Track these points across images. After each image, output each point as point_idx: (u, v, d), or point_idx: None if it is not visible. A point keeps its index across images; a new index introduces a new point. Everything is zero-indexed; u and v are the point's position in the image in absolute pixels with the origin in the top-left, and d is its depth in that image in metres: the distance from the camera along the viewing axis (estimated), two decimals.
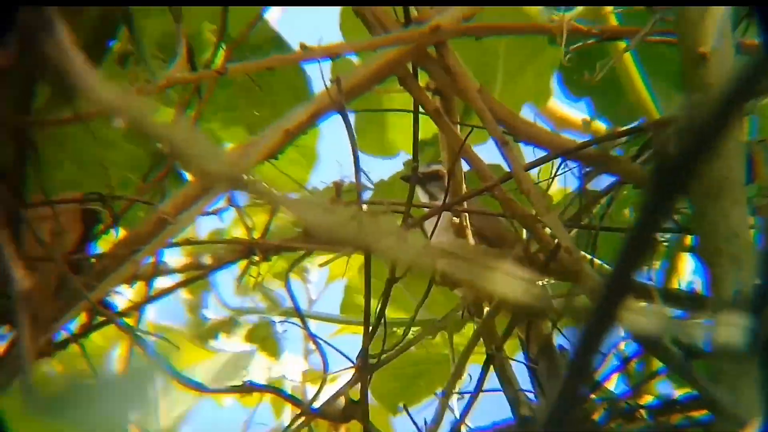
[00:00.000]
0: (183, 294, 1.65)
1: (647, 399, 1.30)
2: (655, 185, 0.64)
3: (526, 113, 1.36)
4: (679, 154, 0.64)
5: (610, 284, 0.68)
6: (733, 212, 0.85)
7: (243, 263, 1.17)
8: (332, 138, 1.53)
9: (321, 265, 1.48)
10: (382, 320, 1.15)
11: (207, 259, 1.16)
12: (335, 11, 1.56)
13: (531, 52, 1.51)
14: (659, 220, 0.65)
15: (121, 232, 1.05)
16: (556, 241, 1.08)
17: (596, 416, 1.18)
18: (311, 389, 1.67)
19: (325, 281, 1.79)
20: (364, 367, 1.13)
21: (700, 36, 0.85)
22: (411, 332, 1.24)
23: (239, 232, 1.57)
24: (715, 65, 0.85)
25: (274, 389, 1.29)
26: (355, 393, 1.17)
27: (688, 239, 1.35)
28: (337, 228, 0.71)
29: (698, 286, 1.51)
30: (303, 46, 1.01)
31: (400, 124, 1.61)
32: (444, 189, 1.19)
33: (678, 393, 1.42)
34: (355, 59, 1.49)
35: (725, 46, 0.85)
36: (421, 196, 1.29)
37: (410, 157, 1.61)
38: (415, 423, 1.20)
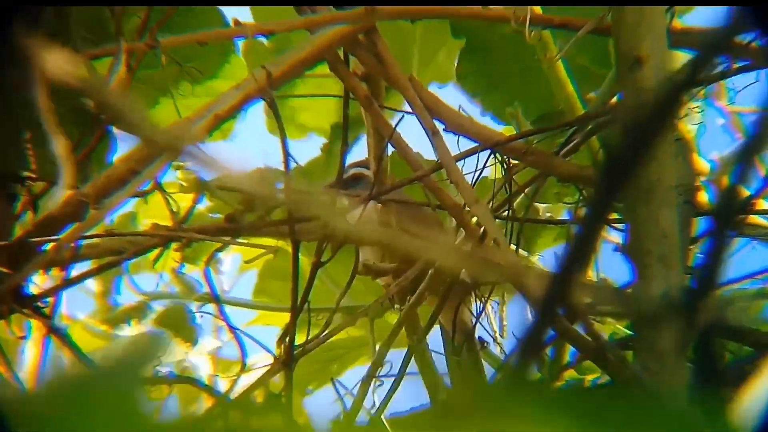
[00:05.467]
0: (90, 281, 1.58)
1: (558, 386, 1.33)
2: (604, 180, 0.65)
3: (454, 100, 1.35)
4: (623, 149, 0.65)
5: (557, 278, 0.68)
6: (662, 214, 0.87)
7: (158, 250, 1.14)
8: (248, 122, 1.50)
9: (247, 262, 1.45)
10: (306, 306, 1.14)
11: (124, 244, 1.12)
12: None
13: (444, 37, 1.51)
14: (605, 215, 0.66)
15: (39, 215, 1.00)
16: (482, 230, 1.09)
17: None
18: (222, 381, 1.64)
19: (237, 270, 1.76)
20: (289, 357, 1.11)
21: (637, 39, 0.86)
22: (333, 320, 1.23)
23: (147, 215, 1.52)
24: (650, 69, 0.86)
25: (190, 379, 1.25)
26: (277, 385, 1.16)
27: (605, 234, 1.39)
28: (279, 199, 0.69)
29: (608, 280, 1.56)
30: (236, 22, 0.98)
31: (310, 107, 1.59)
32: (367, 190, 1.18)
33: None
34: (264, 41, 1.47)
35: (661, 49, 0.87)
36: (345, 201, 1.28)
37: (324, 140, 1.60)
38: (341, 400, 1.19)
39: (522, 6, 1.08)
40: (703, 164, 1.45)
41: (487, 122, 1.43)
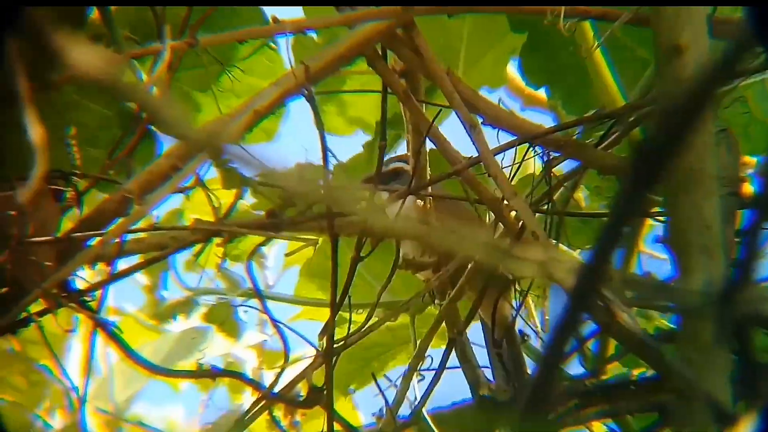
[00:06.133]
0: (140, 274, 1.61)
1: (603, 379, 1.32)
2: (634, 170, 0.64)
3: (493, 95, 1.36)
4: (657, 139, 0.64)
5: (587, 269, 0.68)
6: (705, 205, 0.86)
7: (201, 245, 1.15)
8: (293, 119, 1.51)
9: (287, 255, 1.47)
10: (346, 301, 1.14)
11: (168, 240, 1.14)
12: None
13: (493, 37, 1.51)
14: (637, 206, 0.66)
15: (85, 210, 1.03)
16: (520, 224, 1.09)
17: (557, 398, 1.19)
18: (267, 374, 1.65)
19: (282, 267, 1.77)
20: (329, 350, 1.12)
21: (676, 28, 0.85)
22: (374, 315, 1.24)
23: (194, 212, 1.55)
24: (690, 58, 0.85)
25: (235, 373, 1.27)
26: (317, 378, 1.17)
27: (648, 225, 1.37)
28: (319, 195, 0.70)
29: (653, 274, 1.54)
30: (275, 19, 0.99)
31: (357, 104, 1.60)
32: (405, 185, 1.19)
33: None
34: (315, 36, 1.48)
35: (700, 39, 0.86)
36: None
37: (368, 137, 1.61)
38: (386, 399, 1.20)
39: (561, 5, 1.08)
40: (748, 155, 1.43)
41: (529, 116, 1.43)
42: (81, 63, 0.60)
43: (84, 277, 1.04)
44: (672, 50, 0.87)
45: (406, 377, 1.26)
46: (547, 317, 1.28)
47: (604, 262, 0.65)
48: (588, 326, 1.18)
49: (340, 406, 1.53)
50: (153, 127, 1.05)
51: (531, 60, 1.40)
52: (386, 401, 1.25)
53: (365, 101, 1.57)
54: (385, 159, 1.26)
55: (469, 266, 1.18)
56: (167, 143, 1.12)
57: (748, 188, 1.29)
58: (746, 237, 0.72)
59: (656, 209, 1.14)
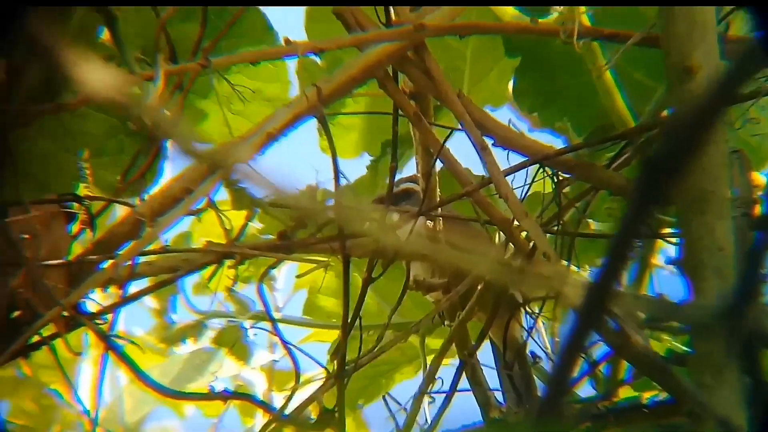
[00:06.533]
0: (149, 298, 1.61)
1: (614, 402, 1.31)
2: (639, 186, 0.64)
3: (497, 113, 1.36)
4: (663, 156, 0.64)
5: (594, 287, 0.68)
6: (717, 226, 0.86)
7: (212, 267, 1.16)
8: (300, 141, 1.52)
9: (298, 276, 1.47)
10: (357, 322, 1.14)
11: (179, 262, 1.14)
12: (299, 11, 1.54)
13: (495, 56, 1.51)
14: (644, 223, 0.66)
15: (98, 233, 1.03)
16: (531, 244, 1.08)
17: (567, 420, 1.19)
18: (277, 396, 1.65)
19: (291, 289, 1.77)
20: (341, 372, 1.12)
21: (688, 49, 0.86)
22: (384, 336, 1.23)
23: (202, 234, 1.55)
24: (702, 79, 0.85)
25: (246, 396, 1.26)
26: (327, 399, 1.16)
27: (659, 245, 1.37)
28: (330, 216, 0.70)
29: (665, 295, 1.53)
30: (287, 41, 1.00)
31: (362, 126, 1.61)
32: (416, 205, 1.19)
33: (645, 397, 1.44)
34: (318, 60, 1.49)
35: (712, 59, 0.86)
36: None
37: (372, 158, 1.61)
38: (396, 422, 1.19)
39: (569, 5, 1.08)
40: (761, 177, 1.43)
41: (537, 137, 1.42)
42: (94, 84, 0.60)
43: (95, 299, 1.04)
44: (683, 71, 0.87)
45: (417, 399, 1.25)
46: (557, 339, 1.27)
47: (612, 280, 0.64)
48: (600, 348, 1.17)
49: (350, 424, 1.53)
50: (168, 147, 1.05)
51: (524, 83, 1.40)
52: (397, 424, 1.24)
53: (370, 124, 1.57)
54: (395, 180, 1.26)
55: (479, 287, 1.18)
56: (174, 161, 1.12)
57: (761, 209, 1.29)
58: (753, 256, 0.72)
59: (669, 231, 1.14)
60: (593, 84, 1.28)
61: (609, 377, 1.40)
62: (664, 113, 1.22)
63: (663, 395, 1.26)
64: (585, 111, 1.37)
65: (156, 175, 1.08)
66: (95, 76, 0.61)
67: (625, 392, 1.39)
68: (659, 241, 1.30)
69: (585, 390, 1.30)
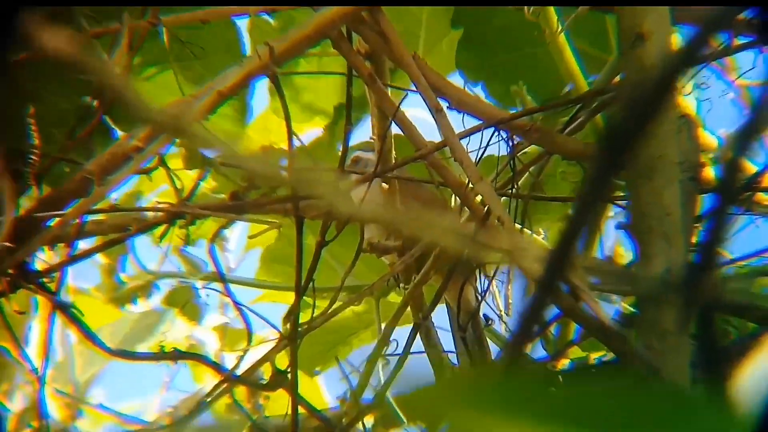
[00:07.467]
0: (99, 257, 1.59)
1: (563, 363, 1.33)
2: (601, 156, 0.64)
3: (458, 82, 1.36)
4: (623, 125, 0.65)
5: (556, 252, 0.68)
6: (665, 192, 0.87)
7: (163, 227, 1.14)
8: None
9: (250, 237, 1.46)
10: (311, 285, 1.14)
11: (129, 221, 1.13)
12: None
13: (446, 25, 1.51)
14: (604, 191, 0.66)
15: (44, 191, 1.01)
16: (486, 208, 1.09)
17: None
18: (229, 357, 1.65)
19: (243, 249, 1.76)
20: (293, 333, 1.12)
21: (639, 15, 0.86)
22: (338, 299, 1.23)
23: (154, 194, 1.53)
24: (653, 45, 0.85)
25: (197, 356, 1.26)
26: (281, 361, 1.17)
27: (609, 210, 1.39)
28: (283, 178, 0.69)
29: (614, 259, 1.55)
30: None
31: (315, 88, 1.59)
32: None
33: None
34: (270, 20, 1.46)
35: (664, 25, 0.86)
36: None
37: (327, 121, 1.60)
38: (350, 382, 1.20)
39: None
40: (710, 140, 1.45)
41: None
42: (43, 41, 0.58)
43: (43, 258, 1.02)
44: (636, 37, 0.88)
45: (371, 361, 1.26)
46: (510, 301, 1.28)
47: (572, 248, 0.65)
48: (551, 310, 1.19)
49: (308, 388, 1.53)
50: (108, 118, 1.03)
51: (467, 56, 1.41)
52: (350, 385, 1.25)
53: (322, 86, 1.56)
54: None
55: (435, 251, 1.19)
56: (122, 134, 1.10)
57: (708, 173, 1.31)
58: (708, 222, 0.72)
59: (618, 195, 1.15)
60: (544, 54, 1.28)
61: (558, 338, 1.42)
62: (617, 79, 1.23)
63: (610, 356, 1.29)
64: (537, 79, 1.37)
65: (107, 134, 1.06)
66: (45, 33, 0.59)
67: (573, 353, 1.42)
68: (608, 205, 1.31)
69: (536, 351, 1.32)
